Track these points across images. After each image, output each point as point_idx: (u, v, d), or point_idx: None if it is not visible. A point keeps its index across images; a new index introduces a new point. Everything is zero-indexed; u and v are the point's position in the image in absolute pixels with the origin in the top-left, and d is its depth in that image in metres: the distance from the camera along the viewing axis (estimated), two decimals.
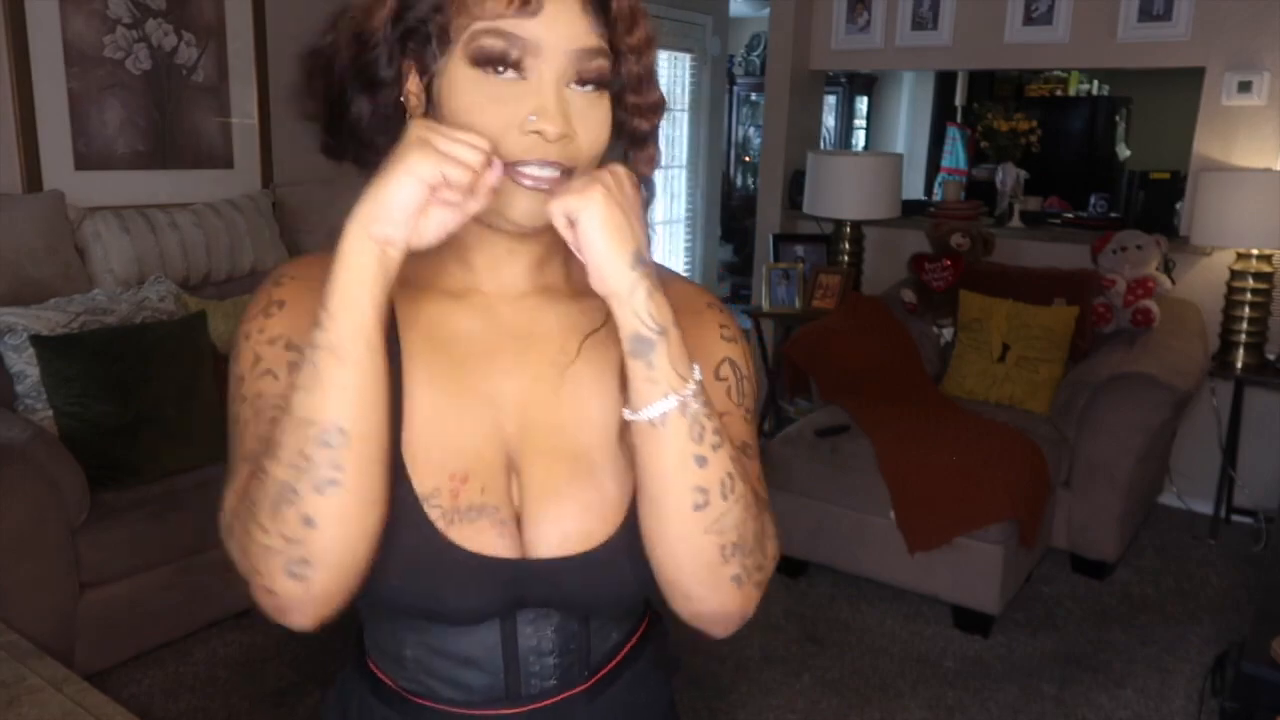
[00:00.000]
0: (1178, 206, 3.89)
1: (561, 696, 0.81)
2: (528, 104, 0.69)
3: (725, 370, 0.80)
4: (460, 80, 0.70)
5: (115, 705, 1.33)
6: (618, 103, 0.75)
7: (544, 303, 0.80)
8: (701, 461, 0.69)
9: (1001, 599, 2.78)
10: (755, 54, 7.55)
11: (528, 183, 0.70)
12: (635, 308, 0.67)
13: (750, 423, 0.81)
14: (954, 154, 6.42)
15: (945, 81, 7.20)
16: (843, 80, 7.14)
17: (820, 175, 4.06)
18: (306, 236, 3.47)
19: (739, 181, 7.81)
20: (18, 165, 2.90)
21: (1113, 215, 4.37)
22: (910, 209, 4.41)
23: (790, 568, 3.13)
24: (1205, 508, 3.66)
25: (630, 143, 0.78)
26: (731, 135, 7.61)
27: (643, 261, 0.67)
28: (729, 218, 7.32)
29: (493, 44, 0.69)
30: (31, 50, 2.87)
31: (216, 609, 2.65)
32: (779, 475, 3.07)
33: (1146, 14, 3.65)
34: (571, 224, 0.66)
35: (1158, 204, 3.98)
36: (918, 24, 4.16)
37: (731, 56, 7.03)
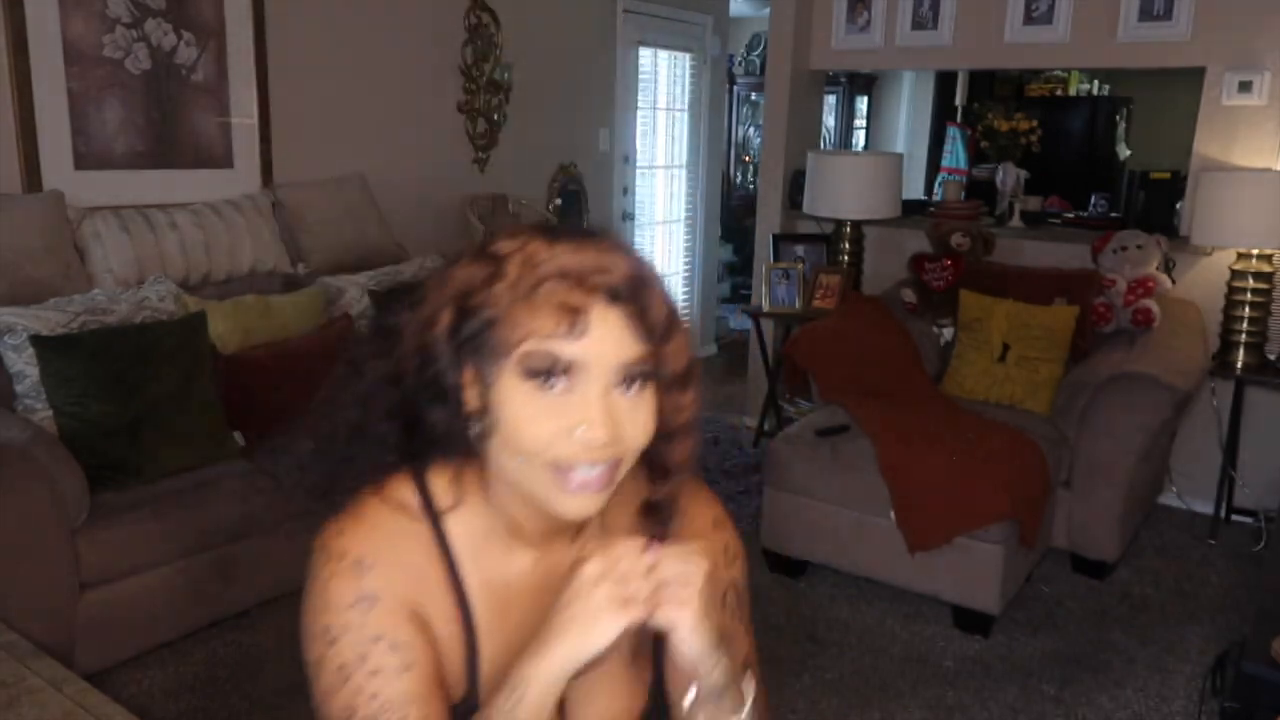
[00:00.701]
0: (1178, 206, 3.89)
1: None
2: (576, 415, 0.76)
3: (730, 597, 0.95)
4: (514, 391, 0.77)
5: (115, 705, 1.33)
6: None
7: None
8: None
9: (1001, 599, 2.78)
10: (755, 54, 7.54)
11: (574, 486, 0.78)
12: (714, 680, 0.78)
13: (750, 631, 0.98)
14: (954, 154, 6.42)
15: (945, 81, 7.19)
16: (843, 80, 7.14)
17: (820, 175, 4.06)
18: (306, 236, 3.47)
19: (739, 181, 7.81)
20: (18, 165, 2.90)
21: (1113, 215, 4.38)
22: (910, 209, 4.41)
23: (790, 568, 3.13)
24: (1205, 508, 3.66)
25: (661, 438, 0.83)
26: (731, 135, 7.60)
27: (721, 642, 0.79)
28: (729, 218, 7.31)
29: (542, 363, 0.76)
30: (31, 50, 2.87)
31: (216, 609, 2.66)
32: (779, 475, 3.07)
33: (1147, 14, 3.65)
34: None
35: (1158, 204, 3.98)
36: (918, 24, 4.16)
37: (731, 56, 7.02)
